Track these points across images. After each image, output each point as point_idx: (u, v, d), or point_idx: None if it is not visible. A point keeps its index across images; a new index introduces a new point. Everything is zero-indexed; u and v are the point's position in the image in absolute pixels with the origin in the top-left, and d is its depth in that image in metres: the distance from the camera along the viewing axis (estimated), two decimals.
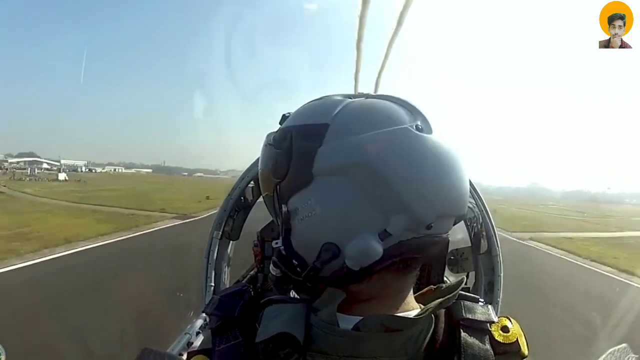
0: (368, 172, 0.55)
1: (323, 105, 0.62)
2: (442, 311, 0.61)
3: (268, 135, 0.65)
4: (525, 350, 0.58)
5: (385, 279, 0.59)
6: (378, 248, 0.55)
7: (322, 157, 0.57)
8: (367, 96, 0.66)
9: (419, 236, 0.57)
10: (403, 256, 0.57)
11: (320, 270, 0.58)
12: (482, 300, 0.65)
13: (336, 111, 0.60)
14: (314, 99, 0.67)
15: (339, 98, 0.64)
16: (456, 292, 0.62)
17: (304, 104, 0.66)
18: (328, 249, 0.57)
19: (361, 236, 0.55)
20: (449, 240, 0.64)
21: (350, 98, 0.64)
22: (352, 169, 0.56)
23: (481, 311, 0.61)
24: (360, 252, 0.55)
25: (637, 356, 0.56)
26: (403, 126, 0.58)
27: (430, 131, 0.59)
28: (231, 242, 2.02)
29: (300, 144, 0.59)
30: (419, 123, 0.59)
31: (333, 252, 0.56)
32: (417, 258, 0.60)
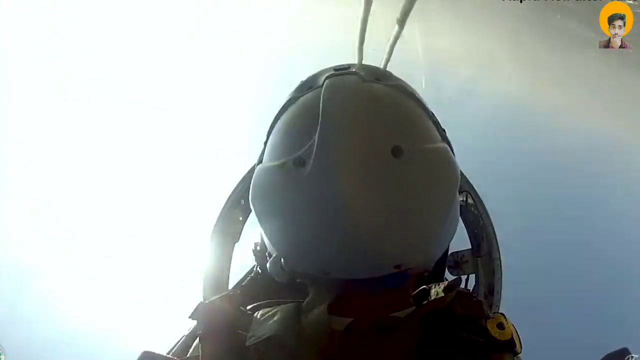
0: None
1: None
2: (437, 309, 0.60)
3: None
4: (519, 347, 0.58)
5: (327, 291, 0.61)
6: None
7: None
8: None
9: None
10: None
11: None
12: (475, 295, 0.65)
13: None
14: None
15: None
16: (452, 293, 0.61)
17: None
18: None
19: None
20: None
21: None
22: None
23: (476, 307, 0.60)
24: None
25: (637, 356, 0.54)
26: (280, 161, 0.55)
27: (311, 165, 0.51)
28: (231, 244, 2.02)
29: None
30: (300, 154, 0.52)
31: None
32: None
